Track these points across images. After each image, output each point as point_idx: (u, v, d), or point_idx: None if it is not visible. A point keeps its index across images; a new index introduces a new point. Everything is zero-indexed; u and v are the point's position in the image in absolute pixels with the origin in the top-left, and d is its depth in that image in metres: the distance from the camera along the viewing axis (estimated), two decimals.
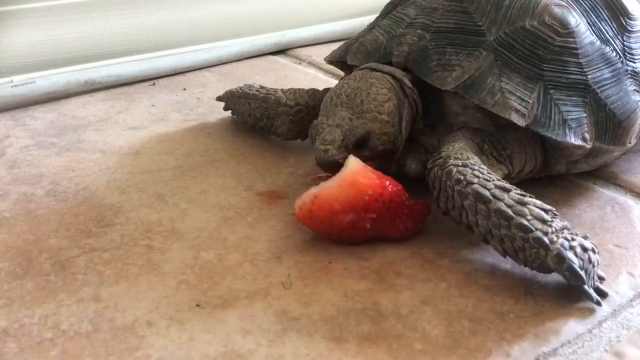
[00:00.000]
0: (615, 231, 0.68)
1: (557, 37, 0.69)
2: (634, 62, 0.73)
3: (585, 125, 0.68)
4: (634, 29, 0.75)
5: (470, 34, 0.70)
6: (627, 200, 0.74)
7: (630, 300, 0.58)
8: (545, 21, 0.70)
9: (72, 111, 0.99)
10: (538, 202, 0.59)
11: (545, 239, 0.56)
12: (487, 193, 0.59)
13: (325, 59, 0.85)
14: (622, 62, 0.72)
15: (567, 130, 0.67)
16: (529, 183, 0.76)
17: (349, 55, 0.79)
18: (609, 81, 0.71)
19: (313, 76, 1.15)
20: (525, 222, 0.57)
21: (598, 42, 0.72)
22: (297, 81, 1.12)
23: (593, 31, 0.72)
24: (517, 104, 0.66)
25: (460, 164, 0.62)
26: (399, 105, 0.69)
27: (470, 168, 0.61)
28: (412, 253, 0.64)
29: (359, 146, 0.66)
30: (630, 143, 0.72)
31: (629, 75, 0.72)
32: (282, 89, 0.86)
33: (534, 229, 0.56)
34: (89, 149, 0.87)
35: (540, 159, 0.72)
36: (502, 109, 0.66)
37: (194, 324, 0.54)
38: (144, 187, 0.76)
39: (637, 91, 0.73)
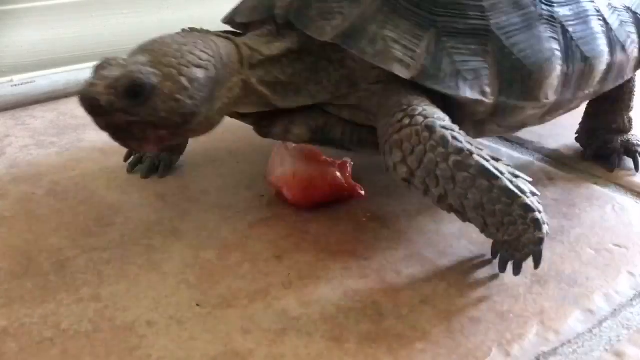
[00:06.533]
0: (615, 231, 0.68)
1: None
2: (551, 6, 0.64)
3: (486, 77, 0.60)
4: None
5: None
6: (627, 199, 0.74)
7: (631, 300, 0.58)
8: None
9: (72, 110, 0.99)
10: (523, 175, 0.57)
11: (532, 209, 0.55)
12: (493, 170, 0.54)
13: (221, 21, 0.75)
14: (535, 6, 0.63)
15: (460, 83, 0.59)
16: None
17: (237, 14, 0.70)
18: (518, 26, 0.62)
19: None
20: (528, 202, 0.55)
21: None
22: None
23: None
24: (402, 53, 0.58)
25: (448, 127, 0.56)
26: (217, 82, 0.57)
27: (458, 133, 0.56)
28: (412, 253, 0.64)
29: (134, 97, 0.53)
30: (547, 99, 0.63)
31: (544, 21, 0.63)
32: None
33: (535, 210, 0.55)
34: (89, 148, 0.87)
35: None
36: (383, 60, 0.58)
37: (194, 323, 0.54)
38: (144, 187, 0.76)
39: (554, 39, 0.64)
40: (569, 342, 0.53)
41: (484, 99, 0.59)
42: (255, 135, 0.92)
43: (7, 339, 0.52)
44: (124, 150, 0.85)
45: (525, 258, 0.58)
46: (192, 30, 0.62)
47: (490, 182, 0.54)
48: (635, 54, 0.72)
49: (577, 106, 0.73)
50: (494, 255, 0.61)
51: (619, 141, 0.80)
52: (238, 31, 0.71)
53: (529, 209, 0.55)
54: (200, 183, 0.77)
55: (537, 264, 0.58)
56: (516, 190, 0.55)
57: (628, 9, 0.73)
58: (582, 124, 0.85)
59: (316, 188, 0.70)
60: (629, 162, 0.81)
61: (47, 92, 1.03)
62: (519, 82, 0.61)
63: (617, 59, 0.69)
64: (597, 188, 0.77)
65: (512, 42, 0.61)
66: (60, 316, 0.55)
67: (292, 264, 0.62)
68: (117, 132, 0.56)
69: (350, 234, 0.67)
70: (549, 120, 0.71)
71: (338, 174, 0.70)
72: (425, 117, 0.56)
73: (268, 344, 0.52)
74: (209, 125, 0.59)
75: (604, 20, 0.69)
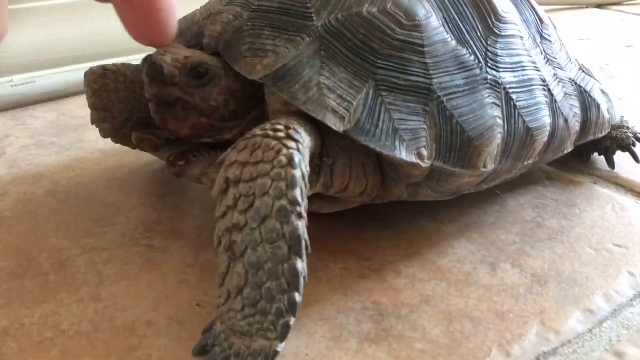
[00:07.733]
0: (615, 230, 0.68)
1: (398, 29, 0.58)
2: (497, 71, 0.62)
3: (424, 139, 0.56)
4: (502, 33, 0.64)
5: (295, 17, 0.59)
6: (627, 199, 0.74)
7: (631, 300, 0.58)
8: (387, 9, 0.58)
9: (72, 110, 0.99)
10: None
11: None
12: (303, 246, 0.47)
13: None
14: (480, 69, 0.61)
15: (397, 142, 0.55)
16: (529, 183, 0.76)
17: None
18: (461, 89, 0.59)
19: None
20: (297, 300, 0.47)
21: (453, 42, 0.60)
22: None
23: (449, 28, 0.61)
24: (336, 103, 0.54)
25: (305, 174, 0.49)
26: (230, 93, 0.60)
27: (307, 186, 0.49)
28: (412, 253, 0.64)
29: (196, 78, 0.57)
30: (485, 167, 0.60)
31: (487, 85, 0.61)
32: None
33: (291, 316, 0.47)
34: (88, 148, 0.87)
35: (374, 179, 0.60)
36: (315, 108, 0.53)
37: (194, 323, 0.54)
38: (144, 187, 0.76)
39: (497, 105, 0.61)
40: (569, 342, 0.53)
41: (420, 162, 0.56)
42: None
43: (7, 339, 0.52)
44: (124, 150, 0.85)
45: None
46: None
47: (290, 254, 0.47)
48: (576, 127, 0.70)
49: (516, 175, 0.70)
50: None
51: (609, 138, 0.80)
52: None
53: (291, 310, 0.47)
54: None
55: None
56: (301, 284, 0.47)
57: (573, 82, 0.71)
58: None
59: None
60: (628, 163, 0.81)
61: (47, 92, 1.03)
62: (457, 147, 0.58)
63: (559, 132, 0.67)
64: (597, 188, 0.77)
65: (454, 105, 0.58)
66: (60, 316, 0.55)
67: None
68: (161, 105, 0.57)
69: (350, 234, 0.67)
70: (485, 188, 0.68)
71: None
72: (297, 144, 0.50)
73: None
74: (233, 129, 0.61)
75: (549, 90, 0.66)
